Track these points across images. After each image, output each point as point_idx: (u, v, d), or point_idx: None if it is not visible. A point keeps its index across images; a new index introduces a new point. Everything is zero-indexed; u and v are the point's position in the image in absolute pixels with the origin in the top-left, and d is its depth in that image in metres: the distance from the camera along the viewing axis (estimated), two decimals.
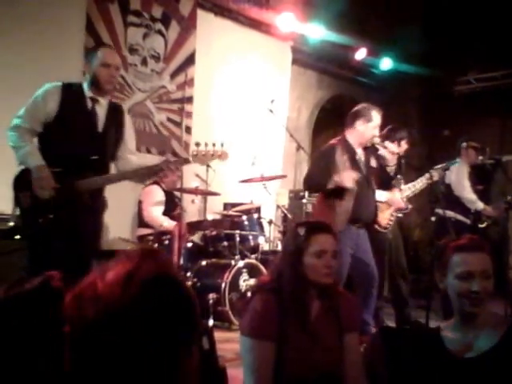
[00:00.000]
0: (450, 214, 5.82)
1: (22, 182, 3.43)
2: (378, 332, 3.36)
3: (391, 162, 4.67)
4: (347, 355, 2.30)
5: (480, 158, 6.25)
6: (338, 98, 9.15)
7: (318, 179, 4.44)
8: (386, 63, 8.66)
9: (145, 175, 3.71)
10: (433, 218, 5.03)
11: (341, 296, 2.38)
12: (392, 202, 5.12)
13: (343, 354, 2.30)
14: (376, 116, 4.58)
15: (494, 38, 8.14)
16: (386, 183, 5.10)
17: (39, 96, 3.50)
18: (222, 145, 3.59)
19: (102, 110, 3.60)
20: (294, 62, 8.12)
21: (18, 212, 3.50)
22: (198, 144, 3.59)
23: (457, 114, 8.73)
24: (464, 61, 8.83)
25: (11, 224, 4.50)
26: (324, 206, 4.60)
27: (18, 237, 4.46)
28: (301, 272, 2.25)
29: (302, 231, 2.30)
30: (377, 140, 4.66)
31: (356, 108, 4.68)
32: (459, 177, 6.10)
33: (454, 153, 6.25)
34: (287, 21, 7.27)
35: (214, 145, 3.57)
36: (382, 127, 5.08)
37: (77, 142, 3.45)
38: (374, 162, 4.76)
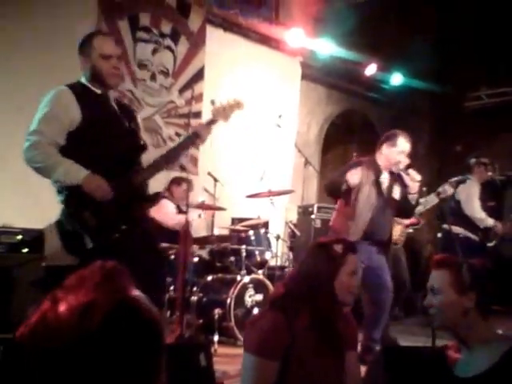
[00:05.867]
0: (458, 230, 5.78)
1: (78, 202, 2.95)
2: (382, 351, 3.33)
3: (413, 189, 4.61)
4: (347, 374, 2.27)
5: (489, 173, 6.20)
6: (347, 113, 9.14)
7: (337, 184, 4.49)
8: (397, 78, 8.64)
9: (184, 148, 3.40)
10: (439, 234, 4.99)
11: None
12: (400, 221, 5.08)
13: (344, 373, 2.27)
14: (402, 142, 4.56)
15: (505, 53, 8.09)
16: (408, 213, 5.05)
17: (54, 104, 3.00)
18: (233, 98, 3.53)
19: (115, 105, 3.22)
20: (304, 77, 8.13)
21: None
22: (212, 102, 3.50)
23: (467, 129, 8.67)
24: (475, 76, 8.78)
25: (19, 237, 4.55)
26: (342, 214, 4.60)
27: (25, 250, 4.51)
28: (333, 289, 2.22)
29: (339, 249, 2.26)
30: (400, 167, 4.62)
31: (387, 132, 4.74)
32: (469, 196, 6.04)
33: (464, 168, 6.20)
34: (296, 36, 7.29)
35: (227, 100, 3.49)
36: None
37: (113, 142, 3.07)
38: (397, 194, 4.68)
